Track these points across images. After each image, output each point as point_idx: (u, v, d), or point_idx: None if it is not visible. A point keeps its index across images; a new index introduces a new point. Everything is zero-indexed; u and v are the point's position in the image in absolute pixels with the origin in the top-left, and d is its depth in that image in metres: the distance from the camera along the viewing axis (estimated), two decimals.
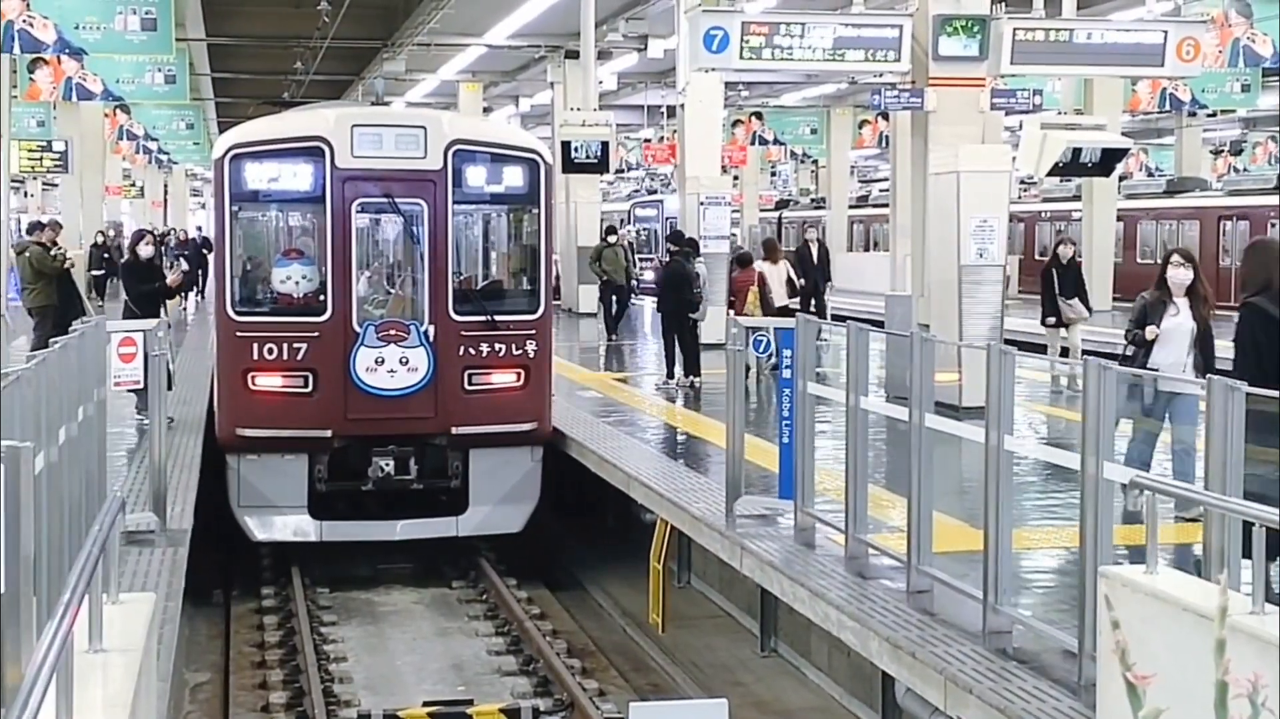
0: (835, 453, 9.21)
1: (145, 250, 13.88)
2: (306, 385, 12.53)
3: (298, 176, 12.71)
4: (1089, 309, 16.22)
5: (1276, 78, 31.41)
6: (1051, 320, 15.90)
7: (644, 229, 37.33)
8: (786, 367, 9.00)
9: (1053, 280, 15.86)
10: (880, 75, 19.79)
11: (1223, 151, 44.60)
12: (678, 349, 16.22)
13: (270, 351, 12.48)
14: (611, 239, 23.43)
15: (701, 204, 20.85)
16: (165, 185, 56.21)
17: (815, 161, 45.20)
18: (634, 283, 24.21)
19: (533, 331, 12.96)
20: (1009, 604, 6.70)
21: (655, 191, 39.31)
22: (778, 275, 17.06)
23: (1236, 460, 5.34)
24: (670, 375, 16.36)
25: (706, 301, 16.99)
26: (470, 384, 12.70)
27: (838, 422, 9.04)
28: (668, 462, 11.92)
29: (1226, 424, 5.32)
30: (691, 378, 16.02)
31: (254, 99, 34.15)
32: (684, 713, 6.56)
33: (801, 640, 9.85)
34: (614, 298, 22.48)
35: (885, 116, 32.61)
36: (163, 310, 14.63)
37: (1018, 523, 7.32)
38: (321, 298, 12.66)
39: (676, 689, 10.05)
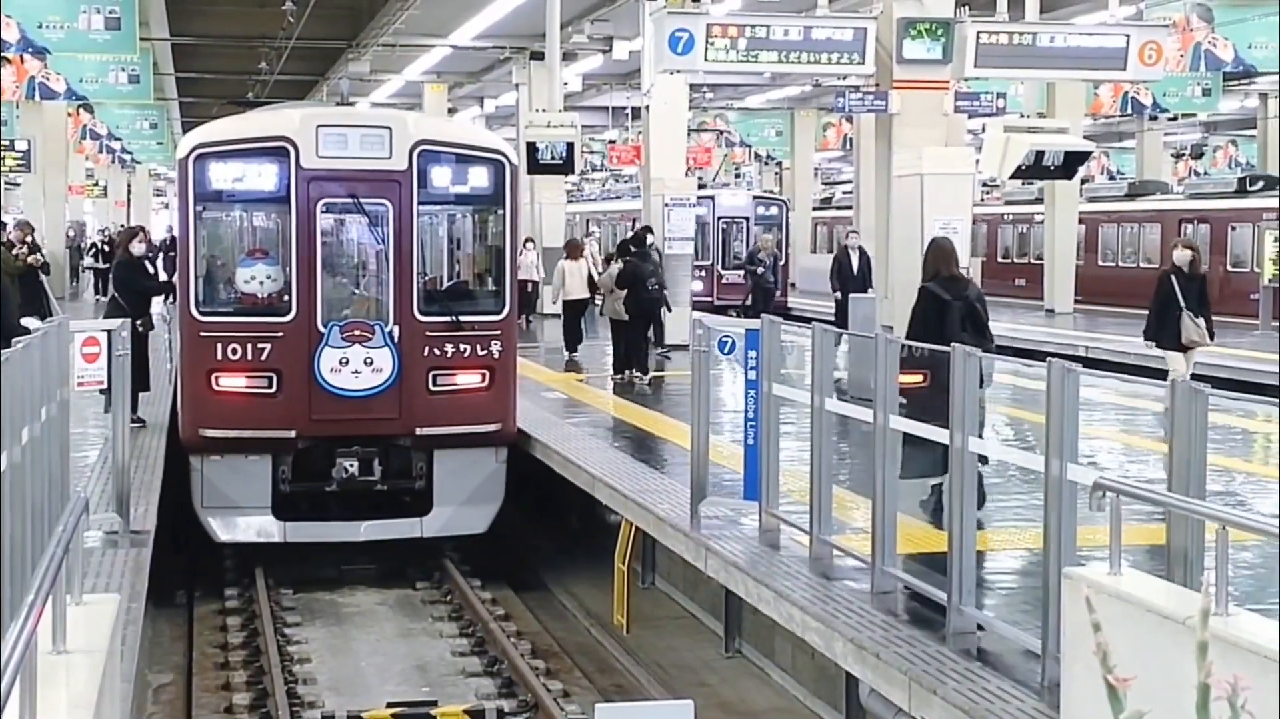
0: (800, 454, 9.24)
1: (137, 248, 13.84)
2: (271, 386, 12.49)
3: (262, 177, 12.67)
4: (1211, 332, 13.19)
5: (1237, 82, 31.74)
6: (1169, 342, 13.10)
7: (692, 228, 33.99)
8: (752, 368, 9.03)
9: (1174, 292, 13.12)
10: (844, 78, 19.88)
11: (1184, 155, 45.02)
12: (625, 346, 16.98)
13: (234, 352, 12.43)
14: (648, 239, 20.78)
15: (666, 205, 20.90)
16: (129, 185, 55.88)
17: (779, 164, 45.34)
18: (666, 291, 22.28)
19: (498, 332, 12.95)
20: (972, 605, 6.74)
21: (704, 185, 33.23)
22: (578, 271, 19.45)
23: (1200, 462, 5.40)
24: (644, 371, 16.82)
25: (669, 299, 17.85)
26: (435, 385, 12.69)
27: (802, 423, 9.07)
28: (632, 462, 11.93)
29: (1190, 426, 5.38)
30: (637, 373, 16.74)
31: (218, 99, 33.97)
32: (649, 714, 6.56)
33: (766, 641, 9.87)
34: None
35: (849, 119, 32.81)
36: (163, 307, 14.63)
37: (981, 524, 7.37)
38: (286, 298, 12.62)
39: (641, 690, 10.06)
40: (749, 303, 24.49)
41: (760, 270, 24.04)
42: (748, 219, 30.74)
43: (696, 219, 30.55)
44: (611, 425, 14.26)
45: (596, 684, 10.36)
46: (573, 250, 20.13)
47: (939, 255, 9.67)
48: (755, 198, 32.83)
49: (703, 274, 29.24)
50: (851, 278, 20.09)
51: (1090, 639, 4.69)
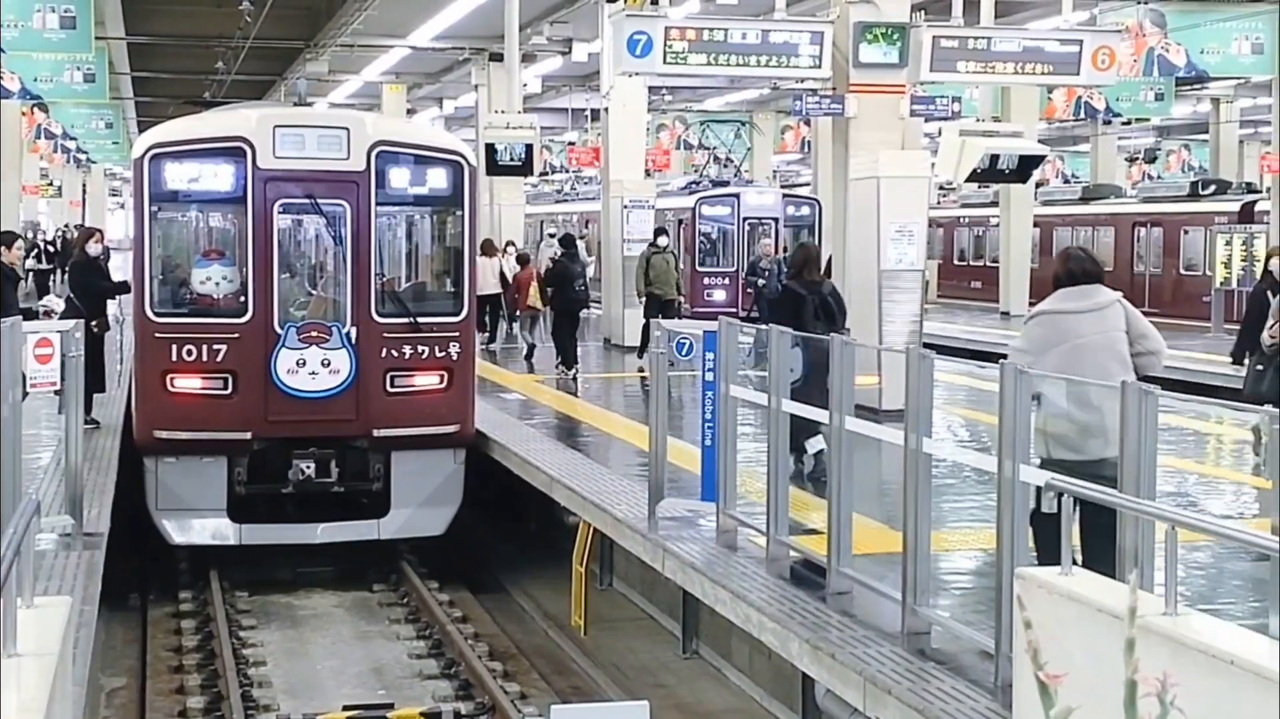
0: (758, 455, 9.27)
1: (94, 249, 13.76)
2: (226, 387, 12.43)
3: (219, 177, 12.62)
4: None
5: (1189, 87, 32.06)
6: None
7: (714, 231, 27.42)
8: (709, 369, 9.06)
9: (1268, 305, 11.10)
10: (802, 81, 19.93)
11: (1137, 159, 45.45)
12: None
13: (189, 353, 12.36)
14: (662, 242, 19.63)
15: (625, 207, 20.91)
16: (84, 185, 55.40)
17: (738, 166, 45.42)
18: (682, 299, 19.71)
19: (456, 334, 12.93)
20: (927, 606, 6.79)
21: (725, 183, 29.25)
22: (491, 267, 20.96)
23: (1151, 463, 5.45)
24: (568, 367, 17.81)
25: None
26: (393, 386, 12.65)
27: (760, 424, 9.11)
28: (590, 464, 11.94)
29: (1140, 428, 5.43)
30: (562, 367, 17.89)
31: (174, 99, 33.74)
32: (605, 715, 6.58)
33: (723, 642, 9.90)
34: (660, 316, 18.14)
35: (807, 122, 32.89)
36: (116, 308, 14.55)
37: (936, 525, 7.42)
38: (242, 299, 12.56)
39: (598, 691, 10.07)
40: (752, 315, 21.11)
41: (763, 281, 20.94)
42: (777, 220, 26.68)
43: (718, 221, 26.58)
44: (570, 427, 14.27)
45: (554, 686, 10.36)
46: (485, 247, 21.28)
47: (804, 258, 11.59)
48: (785, 196, 28.61)
49: (726, 282, 26.02)
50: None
51: (1041, 639, 4.74)
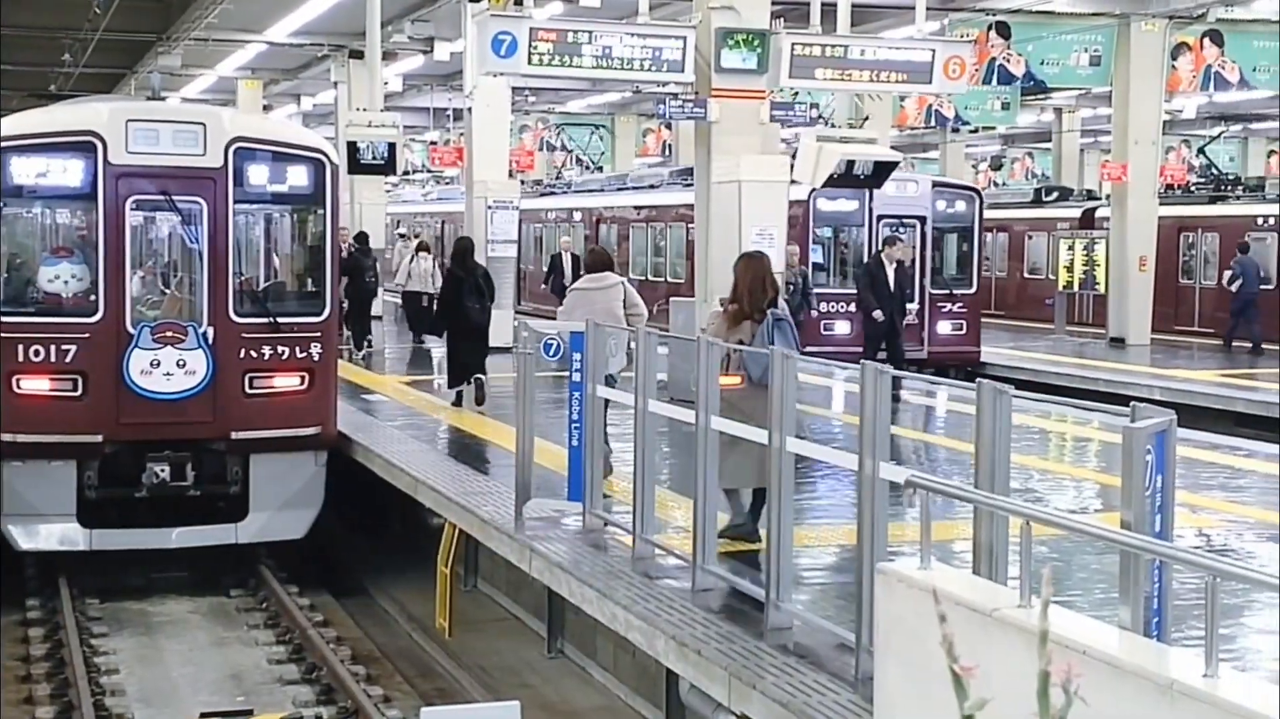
0: (623, 454, 9.33)
1: None
2: (76, 389, 12.14)
3: (68, 172, 12.32)
4: None
5: (1033, 97, 33.02)
6: None
7: (834, 235, 21.19)
8: (576, 370, 9.10)
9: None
10: (665, 85, 20.08)
11: (984, 166, 46.65)
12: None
13: (37, 354, 12.05)
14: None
15: (489, 208, 20.84)
16: None
17: (600, 168, 45.56)
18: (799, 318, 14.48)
19: (318, 334, 12.79)
20: (789, 601, 6.91)
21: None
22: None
23: (1004, 460, 5.63)
24: (358, 348, 20.36)
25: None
26: (252, 387, 12.47)
27: (625, 424, 9.17)
28: (456, 465, 11.90)
29: (995, 425, 5.60)
30: (363, 350, 20.51)
31: (18, 91, 32.72)
32: (476, 717, 6.58)
33: (588, 641, 9.94)
34: None
35: (669, 125, 33.09)
36: None
37: (797, 522, 7.55)
38: (92, 298, 12.28)
39: (464, 694, 10.04)
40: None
41: (784, 297, 17.04)
42: (923, 219, 20.22)
43: (840, 220, 20.59)
44: (436, 429, 14.19)
45: (418, 689, 10.31)
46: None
47: (463, 249, 15.12)
48: (937, 186, 21.37)
49: (851, 308, 19.07)
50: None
51: (901, 632, 4.88)
